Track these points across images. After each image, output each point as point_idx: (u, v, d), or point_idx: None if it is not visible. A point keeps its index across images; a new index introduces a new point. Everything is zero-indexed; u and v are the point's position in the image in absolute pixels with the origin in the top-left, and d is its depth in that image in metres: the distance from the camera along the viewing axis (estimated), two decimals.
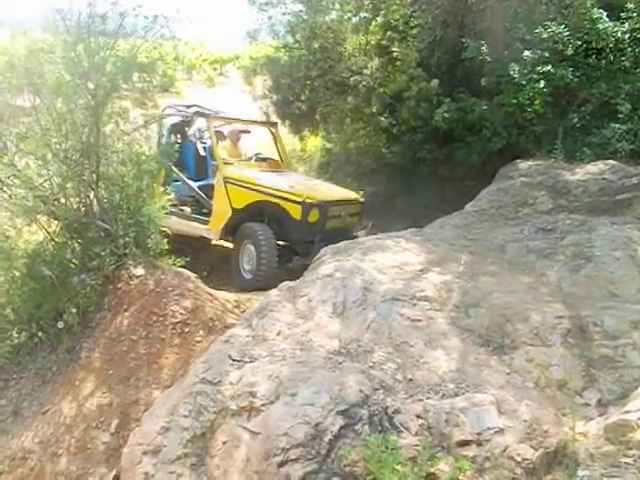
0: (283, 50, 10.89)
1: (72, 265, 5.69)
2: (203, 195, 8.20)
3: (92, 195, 5.88)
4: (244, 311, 5.40)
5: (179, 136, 9.00)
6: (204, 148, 9.04)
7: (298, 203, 7.13)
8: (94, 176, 5.80)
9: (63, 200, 5.79)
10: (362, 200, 8.08)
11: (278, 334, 4.12)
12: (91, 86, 5.69)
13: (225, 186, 7.70)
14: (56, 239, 5.82)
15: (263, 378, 3.66)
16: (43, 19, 5.77)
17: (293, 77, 10.28)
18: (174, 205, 8.44)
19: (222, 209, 7.75)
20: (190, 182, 8.36)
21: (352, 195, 8.11)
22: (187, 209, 8.56)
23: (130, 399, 4.77)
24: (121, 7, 5.94)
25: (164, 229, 8.20)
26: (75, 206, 5.81)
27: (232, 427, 3.58)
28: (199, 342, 5.17)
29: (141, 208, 5.99)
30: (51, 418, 4.81)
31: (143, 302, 5.40)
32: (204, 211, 8.21)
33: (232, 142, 8.76)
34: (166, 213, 7.98)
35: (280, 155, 9.11)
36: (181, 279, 5.77)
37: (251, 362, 3.90)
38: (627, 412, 3.32)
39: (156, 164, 6.27)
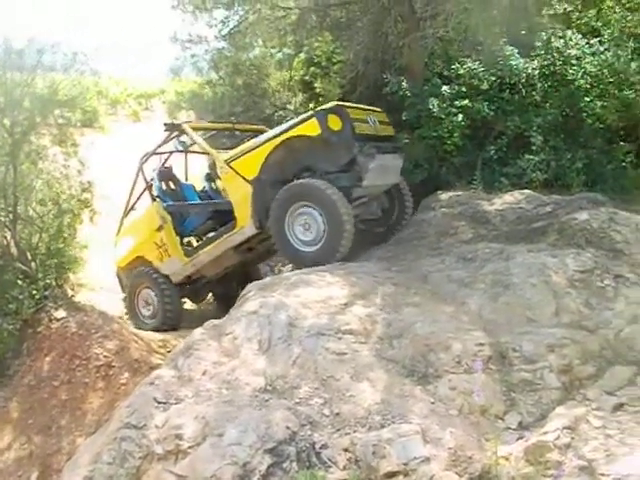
0: (207, 86, 10.93)
1: None
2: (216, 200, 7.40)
3: (9, 236, 5.71)
4: (170, 351, 5.30)
5: (171, 183, 8.01)
6: (204, 187, 8.33)
7: (311, 117, 6.08)
8: (11, 216, 5.64)
9: None
10: None
11: (204, 373, 4.07)
12: (7, 124, 5.56)
13: (231, 167, 6.49)
14: None
15: (189, 419, 3.61)
16: None
17: (217, 113, 10.30)
18: (195, 246, 7.55)
19: (240, 192, 6.44)
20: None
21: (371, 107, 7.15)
22: (209, 236, 7.45)
23: (51, 449, 4.61)
24: (39, 44, 5.87)
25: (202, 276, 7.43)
26: None
27: (158, 472, 3.50)
28: (124, 385, 5.06)
29: (62, 249, 5.84)
30: None
31: (65, 346, 5.25)
32: (227, 220, 6.88)
33: None
34: (190, 255, 7.11)
35: None
36: (105, 320, 5.65)
37: (177, 403, 3.84)
38: (545, 433, 3.45)
39: (77, 202, 6.13)
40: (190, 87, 11.75)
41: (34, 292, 5.53)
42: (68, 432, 4.71)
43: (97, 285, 8.18)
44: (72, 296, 5.83)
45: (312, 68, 10.07)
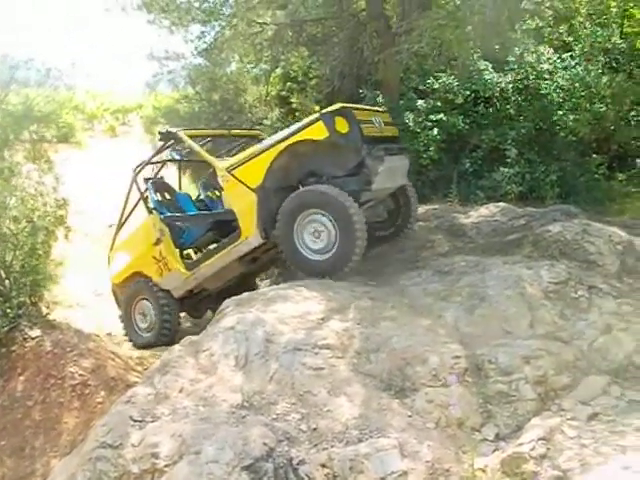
0: (183, 101, 10.94)
1: None
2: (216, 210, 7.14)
3: None
4: (147, 368, 5.25)
5: (166, 194, 7.71)
6: (198, 195, 8.18)
7: (317, 120, 5.82)
8: None
9: None
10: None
11: (181, 391, 4.04)
12: None
13: (232, 175, 6.22)
14: None
15: (166, 438, 3.57)
16: None
17: (194, 128, 10.28)
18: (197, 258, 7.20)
19: (244, 201, 6.16)
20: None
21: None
22: (210, 248, 7.14)
23: (25, 471, 4.52)
24: (12, 60, 5.84)
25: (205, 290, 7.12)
26: None
27: None
28: (100, 403, 4.98)
29: (36, 266, 5.76)
30: None
31: (39, 365, 5.16)
32: (229, 230, 6.61)
33: None
34: (192, 268, 6.83)
35: None
36: (81, 338, 5.58)
37: (153, 422, 3.80)
38: (520, 444, 3.47)
39: (52, 219, 6.07)
40: (167, 102, 11.73)
41: (8, 310, 5.43)
42: (42, 453, 4.62)
43: (73, 302, 8.10)
44: (47, 314, 5.74)
45: (288, 83, 10.16)
